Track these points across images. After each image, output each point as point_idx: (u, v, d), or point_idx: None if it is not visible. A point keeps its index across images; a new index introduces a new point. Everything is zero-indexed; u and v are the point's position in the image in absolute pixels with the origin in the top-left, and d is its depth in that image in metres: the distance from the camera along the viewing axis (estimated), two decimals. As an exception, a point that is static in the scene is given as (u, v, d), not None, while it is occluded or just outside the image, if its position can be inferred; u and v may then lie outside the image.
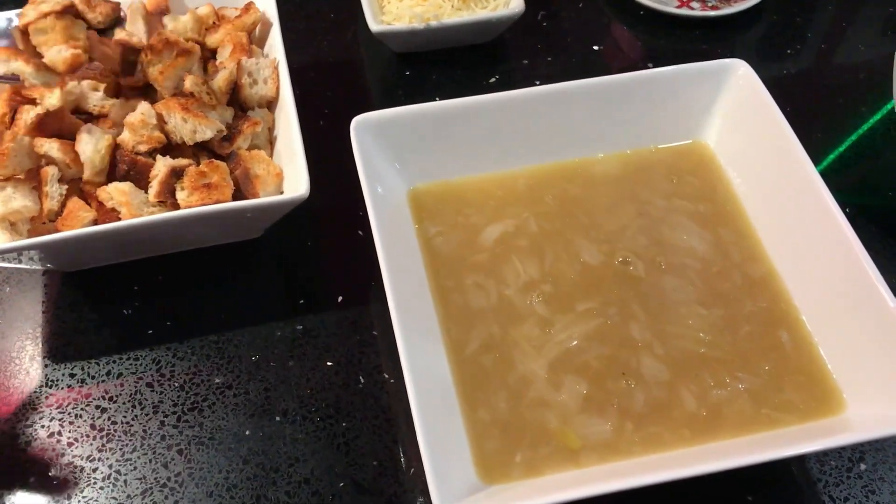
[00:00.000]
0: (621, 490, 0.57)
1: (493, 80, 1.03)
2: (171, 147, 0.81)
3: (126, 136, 0.80)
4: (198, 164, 0.79)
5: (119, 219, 0.76)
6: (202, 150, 0.82)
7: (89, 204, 0.78)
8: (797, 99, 1.01)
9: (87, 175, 0.78)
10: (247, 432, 0.75)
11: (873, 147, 0.98)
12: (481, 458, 0.65)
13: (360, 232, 0.87)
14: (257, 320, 0.82)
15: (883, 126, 1.00)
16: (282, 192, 0.79)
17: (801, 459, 0.73)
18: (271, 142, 0.86)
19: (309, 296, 0.84)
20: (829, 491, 0.71)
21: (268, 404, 0.76)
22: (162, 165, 0.78)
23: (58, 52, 0.85)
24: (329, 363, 0.79)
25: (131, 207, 0.76)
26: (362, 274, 0.84)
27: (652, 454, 0.65)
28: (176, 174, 0.77)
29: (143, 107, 0.79)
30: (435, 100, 0.84)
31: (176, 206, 0.77)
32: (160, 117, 0.80)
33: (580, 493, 0.57)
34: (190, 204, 0.75)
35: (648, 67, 1.00)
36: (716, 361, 0.71)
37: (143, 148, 0.79)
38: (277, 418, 0.76)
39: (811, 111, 1.01)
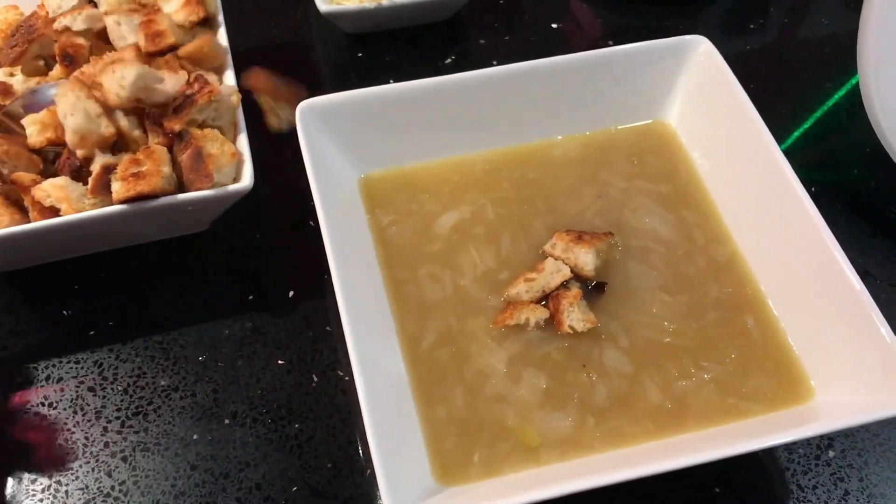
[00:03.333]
0: (583, 490, 0.55)
1: (448, 60, 1.00)
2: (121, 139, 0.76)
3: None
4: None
5: (59, 216, 0.71)
6: (155, 125, 0.77)
7: (22, 205, 0.73)
8: (760, 75, 0.99)
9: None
10: (194, 436, 0.71)
11: (838, 123, 0.97)
12: (438, 459, 0.62)
13: (311, 223, 0.83)
14: (204, 318, 0.78)
15: (848, 101, 0.98)
16: (238, 174, 0.75)
17: (769, 448, 0.71)
18: (235, 124, 0.80)
19: (258, 291, 0.80)
20: (798, 479, 0.70)
21: (216, 407, 0.73)
22: (97, 163, 0.73)
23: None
24: (280, 362, 0.75)
25: (71, 203, 0.72)
26: (314, 267, 0.80)
27: (615, 449, 0.62)
28: (110, 169, 0.73)
29: (64, 93, 0.73)
30: (389, 82, 0.80)
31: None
32: (91, 90, 0.74)
33: (540, 495, 0.54)
34: (119, 195, 0.70)
35: (609, 45, 0.96)
36: (681, 350, 0.68)
37: (81, 153, 0.74)
38: (227, 421, 0.72)
39: (775, 87, 0.99)
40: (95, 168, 0.72)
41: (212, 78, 0.79)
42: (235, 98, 0.77)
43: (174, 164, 0.73)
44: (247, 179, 0.72)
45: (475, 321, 0.69)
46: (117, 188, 0.71)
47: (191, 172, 0.72)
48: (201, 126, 0.75)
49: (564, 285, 0.70)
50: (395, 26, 1.01)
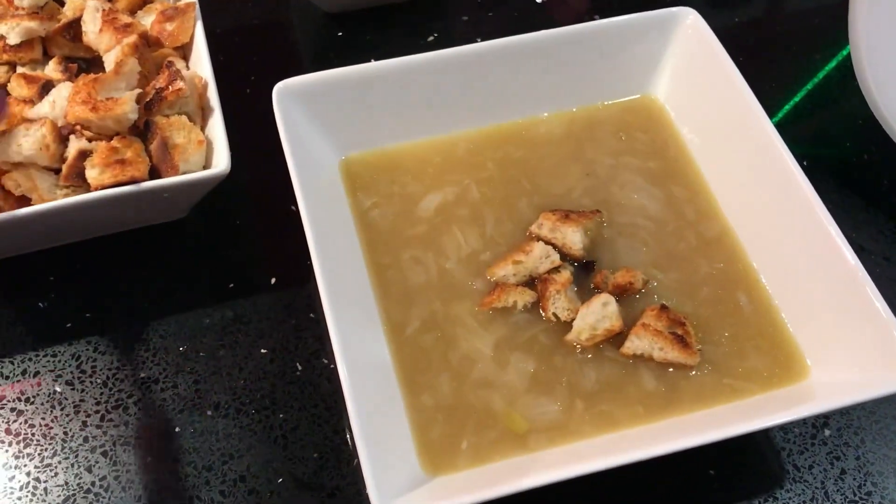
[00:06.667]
0: (571, 477, 0.53)
1: (431, 38, 0.97)
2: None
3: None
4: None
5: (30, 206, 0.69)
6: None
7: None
8: (750, 47, 0.97)
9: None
10: (176, 429, 0.70)
11: (829, 95, 0.95)
12: (425, 448, 0.61)
13: (293, 207, 0.80)
14: (184, 307, 0.76)
15: (839, 73, 0.96)
16: (206, 163, 0.73)
17: (764, 429, 0.69)
18: (203, 108, 0.78)
19: (239, 279, 0.78)
20: (794, 459, 0.68)
21: (198, 398, 0.71)
22: (73, 147, 0.71)
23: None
24: (263, 350, 0.74)
25: (41, 192, 0.70)
26: (296, 253, 0.78)
27: (604, 433, 0.61)
28: (85, 156, 0.70)
29: None
30: (369, 61, 0.78)
31: (89, 189, 0.71)
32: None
33: (528, 484, 0.53)
34: (102, 182, 0.68)
35: (595, 19, 0.94)
36: (674, 330, 0.67)
37: None
38: (209, 412, 0.70)
39: (764, 60, 0.97)
40: (71, 153, 0.70)
41: (179, 64, 0.77)
42: (200, 82, 0.75)
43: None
44: (223, 164, 0.69)
45: (461, 305, 0.68)
46: (96, 174, 0.69)
47: (158, 162, 0.71)
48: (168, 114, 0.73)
49: (555, 269, 0.68)
50: (374, 4, 0.98)
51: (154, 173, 0.72)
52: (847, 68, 0.84)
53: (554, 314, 0.66)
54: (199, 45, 0.78)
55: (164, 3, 0.83)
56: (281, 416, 0.70)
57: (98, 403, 0.71)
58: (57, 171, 0.72)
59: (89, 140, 0.72)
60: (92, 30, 0.78)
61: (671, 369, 0.64)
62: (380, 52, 0.95)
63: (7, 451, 0.69)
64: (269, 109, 0.72)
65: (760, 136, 0.70)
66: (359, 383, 0.58)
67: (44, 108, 0.73)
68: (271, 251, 0.81)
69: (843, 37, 0.83)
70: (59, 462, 0.68)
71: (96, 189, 0.68)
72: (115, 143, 0.71)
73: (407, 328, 0.67)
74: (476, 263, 0.70)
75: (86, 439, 0.69)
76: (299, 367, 0.73)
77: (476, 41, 0.79)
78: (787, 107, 0.94)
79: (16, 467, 0.68)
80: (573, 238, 0.69)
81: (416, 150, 0.77)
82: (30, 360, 0.73)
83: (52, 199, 0.68)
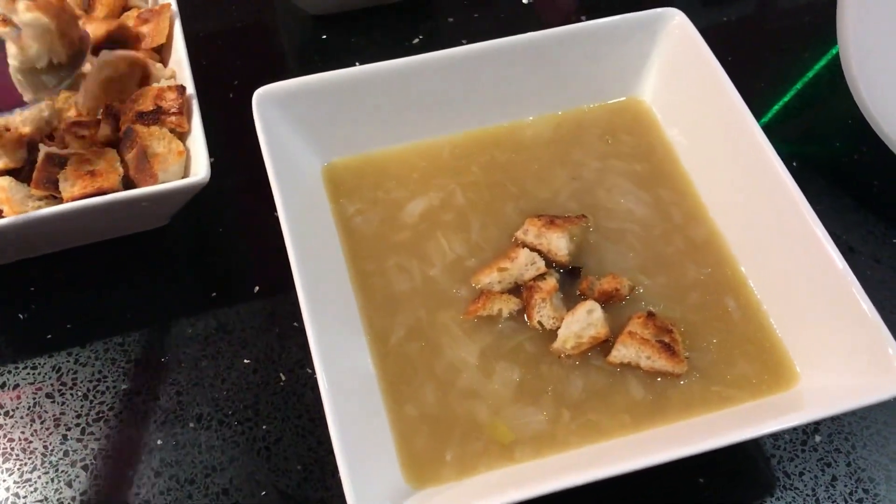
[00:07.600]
0: (558, 490, 0.52)
1: (416, 40, 0.96)
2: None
3: None
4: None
5: (2, 217, 0.68)
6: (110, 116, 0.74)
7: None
8: (738, 47, 0.96)
9: None
10: (158, 442, 0.69)
11: (819, 95, 0.94)
12: (409, 459, 0.60)
13: (276, 214, 0.80)
14: (166, 318, 0.75)
15: (828, 72, 0.95)
16: (186, 174, 0.72)
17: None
18: (183, 113, 0.76)
19: (222, 288, 0.77)
20: (784, 466, 0.67)
21: (180, 410, 0.70)
22: (41, 153, 0.70)
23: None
24: (246, 361, 0.73)
25: (13, 204, 0.68)
26: (280, 261, 0.76)
27: (591, 444, 0.60)
28: (59, 163, 0.69)
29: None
30: (354, 65, 0.77)
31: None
32: None
33: (515, 496, 0.52)
34: (73, 195, 0.67)
35: (582, 20, 0.93)
36: (661, 337, 0.66)
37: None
38: (191, 424, 0.69)
39: (753, 60, 0.96)
40: (39, 158, 0.69)
41: (158, 67, 0.76)
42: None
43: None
44: (202, 172, 0.68)
45: (445, 313, 0.67)
46: (69, 187, 0.68)
47: (136, 172, 0.69)
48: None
49: (541, 276, 0.67)
50: (359, 7, 0.97)
51: (130, 183, 0.71)
52: (836, 67, 0.83)
53: (539, 322, 0.65)
54: (178, 47, 0.77)
55: (141, 9, 0.82)
56: (264, 427, 0.69)
57: (79, 416, 0.70)
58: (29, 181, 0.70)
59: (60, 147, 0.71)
60: None
61: (659, 378, 0.63)
62: (365, 54, 0.94)
63: (-14, 465, 0.68)
64: (252, 115, 0.70)
65: (747, 137, 0.69)
66: (340, 393, 0.57)
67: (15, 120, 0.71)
68: (255, 259, 0.80)
69: (832, 35, 0.82)
70: (39, 477, 0.67)
71: (68, 201, 0.67)
72: (87, 154, 0.70)
73: (391, 337, 0.65)
74: (461, 270, 0.69)
75: (66, 453, 0.68)
76: (283, 378, 0.72)
77: (462, 43, 0.78)
78: (776, 106, 0.93)
79: (-6, 482, 0.67)
80: (559, 244, 0.68)
81: (401, 155, 0.76)
82: (9, 372, 0.72)
83: (24, 211, 0.67)
